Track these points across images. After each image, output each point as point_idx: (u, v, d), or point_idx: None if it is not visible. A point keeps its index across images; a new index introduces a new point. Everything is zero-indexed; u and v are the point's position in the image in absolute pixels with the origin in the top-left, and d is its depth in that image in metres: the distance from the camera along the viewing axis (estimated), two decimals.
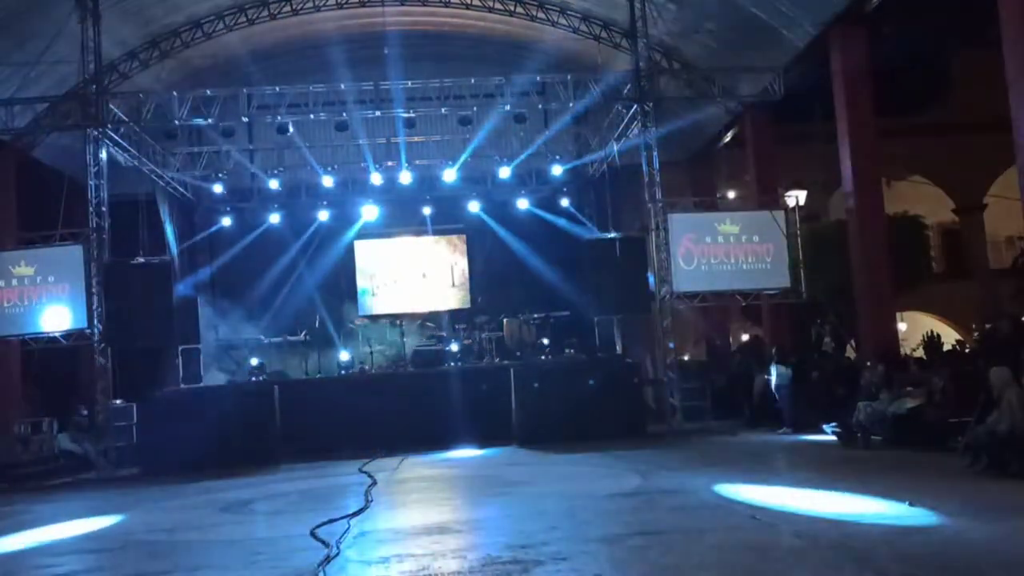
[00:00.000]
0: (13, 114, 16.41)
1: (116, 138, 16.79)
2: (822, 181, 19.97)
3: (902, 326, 21.05)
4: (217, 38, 19.15)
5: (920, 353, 16.99)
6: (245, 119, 17.87)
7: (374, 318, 20.55)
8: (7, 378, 17.50)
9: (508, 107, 17.62)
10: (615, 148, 19.30)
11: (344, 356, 18.15)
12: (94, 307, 15.59)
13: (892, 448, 11.87)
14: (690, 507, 8.73)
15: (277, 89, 17.40)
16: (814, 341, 18.78)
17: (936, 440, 11.23)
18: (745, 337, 23.58)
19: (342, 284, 20.61)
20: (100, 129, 16.11)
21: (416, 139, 19.71)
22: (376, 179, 20.13)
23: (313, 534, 7.99)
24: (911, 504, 7.87)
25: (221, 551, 8.14)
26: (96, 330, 15.53)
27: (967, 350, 16.91)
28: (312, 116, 17.84)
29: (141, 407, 15.80)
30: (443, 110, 18.05)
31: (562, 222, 21.30)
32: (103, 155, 16.26)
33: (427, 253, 21.50)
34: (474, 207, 21.23)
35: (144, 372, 16.76)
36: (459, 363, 17.76)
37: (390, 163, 20.38)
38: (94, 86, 16.09)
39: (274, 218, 21.09)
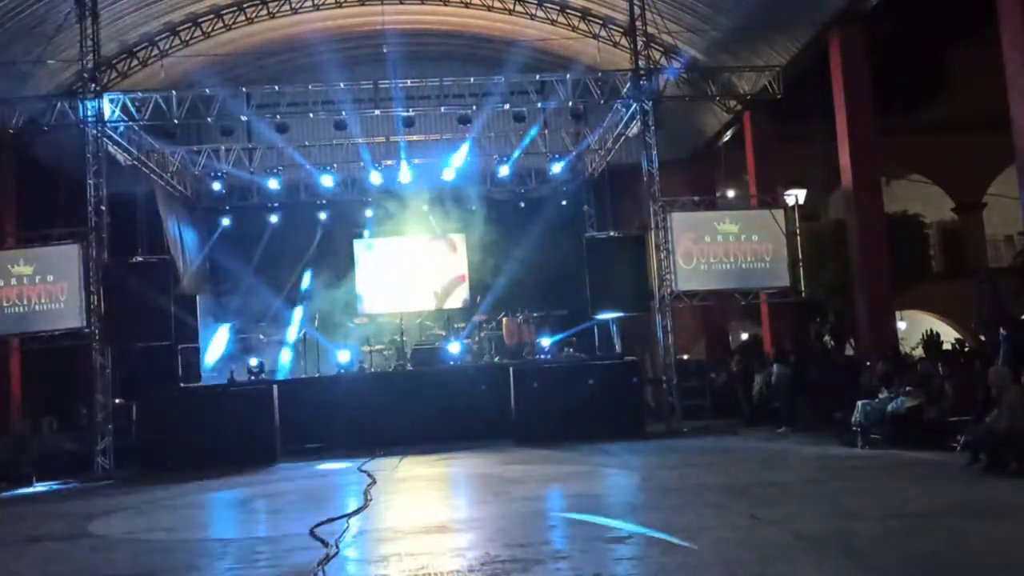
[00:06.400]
0: (12, 112, 16.39)
1: (115, 137, 16.77)
2: (821, 180, 19.97)
3: (901, 325, 21.05)
4: (216, 37, 19.12)
5: (919, 352, 16.99)
6: (244, 118, 17.85)
7: (373, 317, 20.53)
8: (6, 378, 17.48)
9: (507, 106, 17.63)
10: (614, 147, 19.30)
11: (344, 356, 18.13)
12: (93, 306, 15.57)
13: (891, 447, 11.87)
14: (690, 506, 8.73)
15: (276, 88, 17.38)
16: (813, 340, 18.79)
17: (935, 439, 11.23)
18: (745, 336, 23.59)
19: (341, 283, 20.59)
20: (99, 128, 16.09)
21: (415, 138, 19.70)
22: (375, 178, 20.15)
23: (312, 533, 7.98)
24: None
25: (220, 550, 8.14)
26: (95, 329, 15.52)
27: (966, 349, 16.92)
28: (311, 115, 17.83)
29: (140, 406, 15.78)
30: (442, 109, 18.04)
31: (561, 221, 21.29)
32: (102, 154, 16.24)
33: (426, 252, 21.46)
34: (473, 206, 21.22)
35: (143, 371, 16.74)
36: (458, 362, 17.76)
37: (389, 162, 20.40)
38: (93, 85, 16.07)
39: (273, 217, 21.09)
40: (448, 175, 19.99)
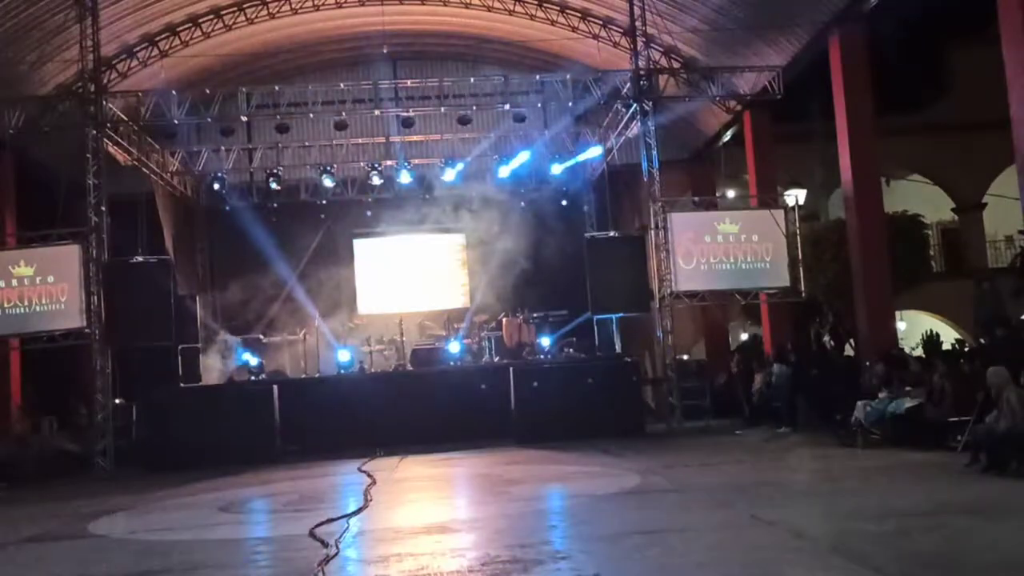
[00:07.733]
0: (12, 113, 16.39)
1: (115, 137, 16.77)
2: (821, 180, 19.97)
3: (901, 325, 21.04)
4: (216, 37, 19.12)
5: (919, 352, 16.99)
6: (244, 118, 17.84)
7: (373, 318, 20.52)
8: (6, 378, 17.48)
9: (507, 106, 17.63)
10: (615, 147, 19.29)
11: (344, 356, 18.14)
12: (93, 307, 15.57)
13: (891, 447, 11.87)
14: (690, 505, 8.73)
15: (276, 88, 17.38)
16: (813, 340, 18.79)
17: (935, 439, 11.23)
18: (745, 336, 23.60)
19: (341, 283, 20.59)
20: (99, 128, 16.09)
21: (415, 138, 19.71)
22: (375, 178, 20.15)
23: (312, 533, 7.98)
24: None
25: (220, 550, 8.14)
26: (95, 330, 15.52)
27: (966, 349, 16.91)
28: (311, 115, 17.83)
29: (140, 406, 15.79)
30: (442, 109, 18.04)
31: (561, 221, 21.28)
32: (102, 154, 16.24)
33: (426, 253, 21.46)
34: (473, 206, 21.21)
35: (143, 371, 16.74)
36: (458, 362, 17.75)
37: (389, 162, 20.41)
38: (93, 85, 16.07)
39: (274, 218, 21.09)
40: (448, 175, 19.99)
